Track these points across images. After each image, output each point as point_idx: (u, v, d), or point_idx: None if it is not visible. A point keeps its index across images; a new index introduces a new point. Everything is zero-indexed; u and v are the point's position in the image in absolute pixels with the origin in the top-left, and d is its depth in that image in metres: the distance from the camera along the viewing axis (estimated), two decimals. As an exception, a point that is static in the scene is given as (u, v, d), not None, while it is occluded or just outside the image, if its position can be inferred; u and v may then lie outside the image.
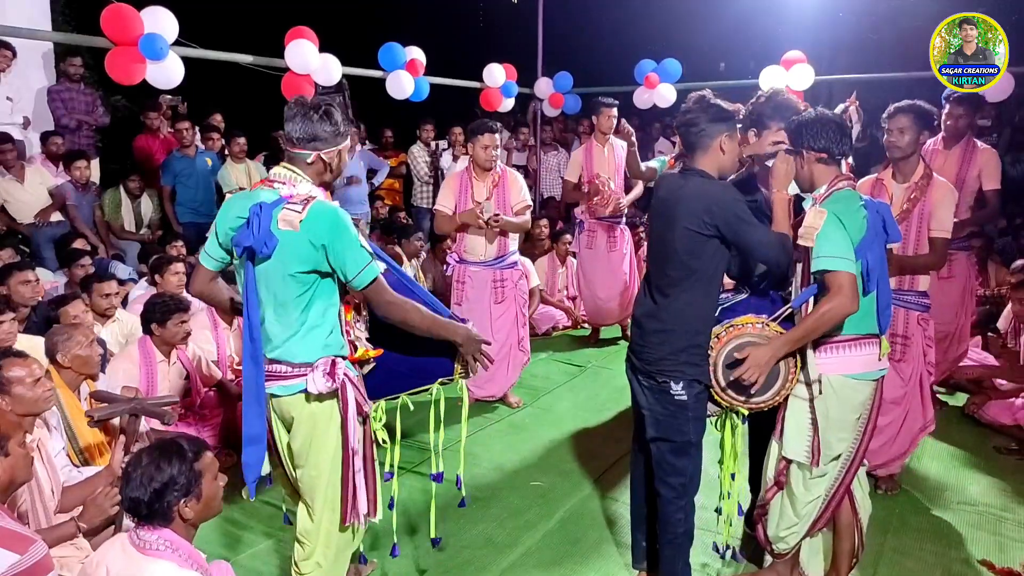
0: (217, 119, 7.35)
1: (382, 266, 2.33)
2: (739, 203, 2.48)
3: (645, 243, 5.27)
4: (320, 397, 2.27)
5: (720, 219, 2.43)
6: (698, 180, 2.51)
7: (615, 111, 5.67)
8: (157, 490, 1.88)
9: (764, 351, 2.45)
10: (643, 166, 4.60)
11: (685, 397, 2.54)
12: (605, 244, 5.84)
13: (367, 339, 2.47)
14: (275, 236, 2.13)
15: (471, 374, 2.61)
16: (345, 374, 2.28)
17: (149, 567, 1.89)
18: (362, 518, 2.38)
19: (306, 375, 2.24)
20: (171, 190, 6.55)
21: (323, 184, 2.33)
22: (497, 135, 4.51)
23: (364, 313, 2.49)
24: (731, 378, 2.51)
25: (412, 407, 2.67)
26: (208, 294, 2.52)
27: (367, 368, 2.48)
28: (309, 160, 2.26)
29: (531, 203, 4.57)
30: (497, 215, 4.39)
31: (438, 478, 2.78)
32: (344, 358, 2.32)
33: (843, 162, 2.59)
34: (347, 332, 2.37)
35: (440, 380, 2.63)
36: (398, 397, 2.63)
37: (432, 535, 2.83)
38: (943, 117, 4.42)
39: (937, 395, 4.88)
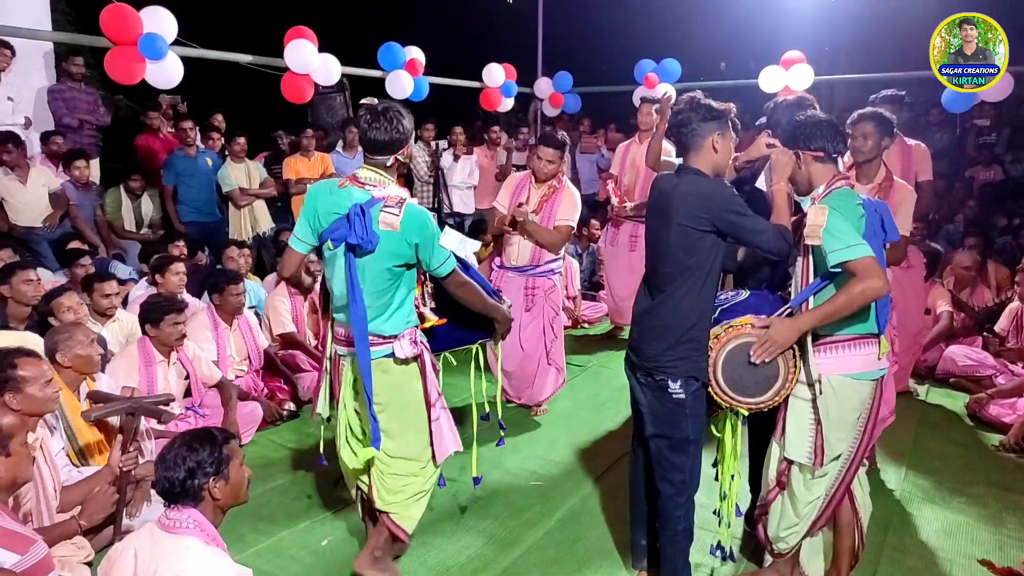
0: (218, 119, 7.35)
1: (475, 245, 2.91)
2: (733, 197, 2.50)
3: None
4: (402, 360, 2.71)
5: (715, 214, 2.44)
6: (692, 178, 2.54)
7: (652, 107, 5.68)
8: (190, 469, 1.99)
9: (787, 324, 2.42)
10: (663, 159, 4.57)
11: (683, 395, 2.54)
12: (627, 243, 5.84)
13: (432, 310, 2.95)
14: (376, 235, 2.53)
15: (502, 339, 3.17)
16: (421, 341, 2.76)
17: (176, 543, 1.95)
18: (448, 453, 2.86)
19: (392, 343, 2.68)
20: (173, 189, 6.54)
21: (399, 177, 2.70)
22: (560, 152, 4.30)
23: (429, 289, 2.99)
24: (750, 357, 2.47)
25: (455, 362, 3.11)
26: (298, 277, 2.97)
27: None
28: (389, 163, 2.66)
29: (573, 225, 4.39)
30: (521, 208, 4.24)
31: (486, 417, 3.26)
32: (417, 327, 2.78)
33: (839, 160, 2.60)
34: (417, 307, 2.85)
35: (479, 341, 3.16)
36: (440, 353, 3.04)
37: (474, 474, 3.16)
38: None
39: (926, 388, 4.98)
